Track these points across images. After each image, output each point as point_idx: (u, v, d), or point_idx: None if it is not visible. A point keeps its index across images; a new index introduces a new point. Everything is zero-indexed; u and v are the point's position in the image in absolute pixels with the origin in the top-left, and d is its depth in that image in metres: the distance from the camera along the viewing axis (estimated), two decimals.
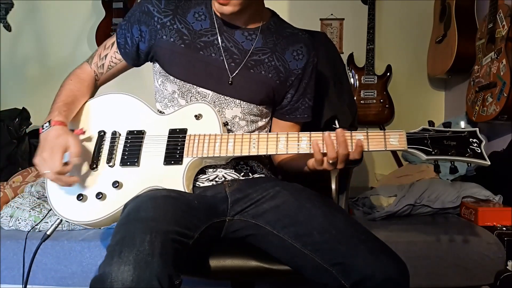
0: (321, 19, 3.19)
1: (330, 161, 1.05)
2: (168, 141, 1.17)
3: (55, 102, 1.21)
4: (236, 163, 1.25)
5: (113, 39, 1.29)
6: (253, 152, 1.11)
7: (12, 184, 2.27)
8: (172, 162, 1.14)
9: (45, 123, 1.14)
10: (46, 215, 1.98)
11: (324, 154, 1.06)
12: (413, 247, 1.81)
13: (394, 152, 3.12)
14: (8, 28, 3.24)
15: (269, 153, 1.11)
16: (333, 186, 1.52)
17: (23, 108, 2.83)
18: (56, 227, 1.20)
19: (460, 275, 1.80)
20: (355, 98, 2.71)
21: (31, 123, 2.83)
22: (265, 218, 1.13)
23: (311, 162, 1.09)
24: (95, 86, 1.32)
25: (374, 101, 3.07)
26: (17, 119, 2.76)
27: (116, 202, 1.13)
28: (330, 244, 1.02)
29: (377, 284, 0.95)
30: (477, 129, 1.05)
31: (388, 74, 3.10)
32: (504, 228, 1.88)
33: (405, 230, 1.97)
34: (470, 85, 2.55)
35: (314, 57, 1.30)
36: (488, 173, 2.27)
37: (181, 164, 1.13)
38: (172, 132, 1.18)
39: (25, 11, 3.26)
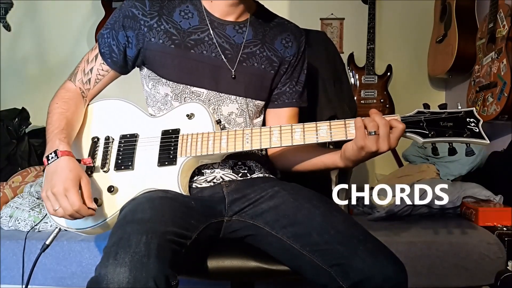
0: (321, 19, 3.18)
1: (372, 131, 0.99)
2: (161, 142, 1.16)
3: (48, 130, 1.15)
4: (234, 163, 1.24)
5: (95, 52, 1.25)
6: (247, 147, 1.10)
7: (12, 184, 2.26)
8: (166, 163, 1.13)
9: (50, 154, 1.07)
10: (45, 215, 1.97)
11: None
12: (413, 247, 1.81)
13: (394, 152, 3.11)
14: (7, 28, 3.24)
15: (263, 147, 1.10)
16: (333, 186, 1.52)
17: (23, 108, 2.82)
18: (55, 236, 1.17)
19: (460, 275, 1.79)
20: (355, 98, 2.71)
21: (30, 123, 2.83)
22: (263, 218, 1.12)
23: (349, 147, 1.05)
24: (84, 102, 1.26)
25: (375, 101, 3.06)
26: (16, 119, 2.75)
27: (112, 207, 1.12)
28: (329, 245, 1.01)
29: (376, 285, 0.94)
30: (474, 108, 1.02)
31: (389, 74, 3.09)
32: (504, 228, 1.87)
33: (405, 230, 1.96)
34: (471, 85, 2.55)
35: (302, 42, 1.31)
36: (489, 173, 2.26)
37: (175, 164, 1.13)
38: (165, 133, 1.17)
39: (25, 11, 3.26)
